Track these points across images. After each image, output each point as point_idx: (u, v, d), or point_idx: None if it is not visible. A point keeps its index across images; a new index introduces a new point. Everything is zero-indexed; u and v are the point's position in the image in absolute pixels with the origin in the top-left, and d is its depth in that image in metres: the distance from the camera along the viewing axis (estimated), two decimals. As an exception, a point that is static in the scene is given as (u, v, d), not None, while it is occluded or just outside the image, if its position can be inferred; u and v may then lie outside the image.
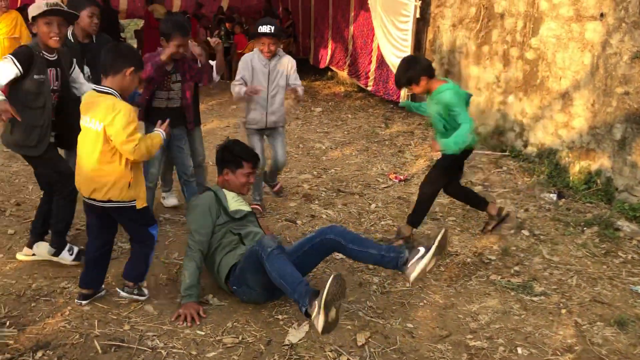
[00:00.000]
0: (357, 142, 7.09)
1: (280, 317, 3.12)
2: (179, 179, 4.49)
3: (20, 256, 3.64)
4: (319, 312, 2.59)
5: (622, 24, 4.92)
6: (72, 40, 3.88)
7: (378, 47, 8.99)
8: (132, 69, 2.96)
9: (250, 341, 2.90)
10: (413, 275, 2.97)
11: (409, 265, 2.99)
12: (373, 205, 4.96)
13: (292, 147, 6.73)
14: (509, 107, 6.51)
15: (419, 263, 2.96)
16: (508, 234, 4.38)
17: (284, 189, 5.21)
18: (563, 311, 3.32)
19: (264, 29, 4.33)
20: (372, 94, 9.68)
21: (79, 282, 3.21)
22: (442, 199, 5.07)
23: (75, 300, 3.18)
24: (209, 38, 4.45)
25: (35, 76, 3.24)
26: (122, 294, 3.20)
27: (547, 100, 5.87)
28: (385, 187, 5.44)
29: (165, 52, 3.94)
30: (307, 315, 2.71)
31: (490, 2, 6.75)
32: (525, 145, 6.22)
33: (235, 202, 3.45)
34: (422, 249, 3.00)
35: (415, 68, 3.79)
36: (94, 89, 2.99)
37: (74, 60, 3.63)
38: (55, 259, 3.56)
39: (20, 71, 3.19)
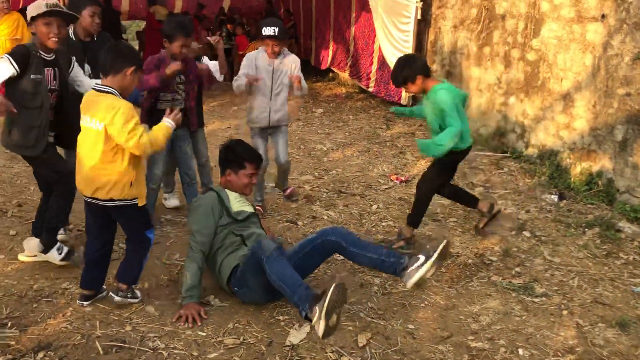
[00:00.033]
0: (359, 143, 7.09)
1: (281, 318, 3.12)
2: (181, 181, 4.50)
3: (22, 257, 3.65)
4: (319, 318, 2.60)
5: (623, 25, 4.92)
6: (74, 39, 3.89)
7: (379, 48, 8.99)
8: (132, 68, 2.97)
9: (251, 342, 2.90)
10: (410, 282, 2.96)
11: (407, 271, 2.98)
12: (374, 206, 4.96)
13: (294, 148, 6.73)
14: (510, 109, 6.51)
15: (418, 271, 2.95)
16: (509, 235, 4.38)
17: (299, 194, 5.13)
18: (564, 312, 3.32)
19: (268, 31, 4.32)
20: (373, 95, 9.68)
21: (80, 283, 3.21)
22: (444, 200, 5.07)
23: (77, 301, 3.18)
24: (209, 37, 4.45)
25: (32, 76, 3.24)
26: (117, 298, 3.15)
27: (549, 101, 5.87)
28: (386, 188, 5.44)
29: (170, 67, 3.93)
30: (307, 319, 2.72)
31: (492, 3, 6.75)
32: (527, 147, 6.22)
33: (237, 203, 3.45)
34: (422, 257, 2.99)
35: (412, 67, 3.80)
36: (94, 89, 3.00)
37: (73, 58, 3.63)
38: (43, 256, 3.52)
39: (17, 71, 3.19)
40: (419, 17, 7.92)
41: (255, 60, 4.48)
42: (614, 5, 5.01)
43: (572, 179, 5.40)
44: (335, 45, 11.66)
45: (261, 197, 4.75)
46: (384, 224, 4.60)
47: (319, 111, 9.05)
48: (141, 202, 3.05)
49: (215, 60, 4.52)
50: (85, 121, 2.96)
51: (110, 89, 2.93)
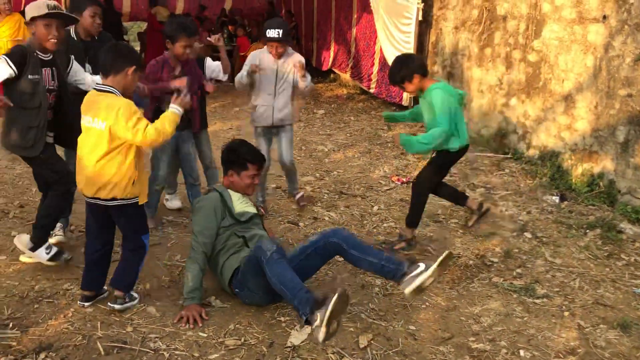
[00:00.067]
0: (360, 145, 7.09)
1: (282, 319, 3.12)
2: (184, 182, 4.50)
3: (23, 258, 3.65)
4: (320, 325, 2.61)
5: (624, 26, 4.92)
6: (75, 38, 3.89)
7: (380, 49, 9.00)
8: (133, 68, 2.99)
9: (252, 343, 2.90)
10: (408, 290, 2.94)
11: (406, 278, 2.96)
12: (375, 208, 4.96)
13: (295, 149, 6.71)
14: (512, 110, 6.50)
15: (417, 279, 2.93)
16: (510, 236, 4.38)
17: (313, 198, 5.06)
18: (566, 314, 3.32)
19: (272, 33, 4.29)
20: (374, 96, 9.69)
21: (81, 284, 3.22)
22: (445, 201, 5.07)
23: (78, 302, 3.19)
24: (209, 38, 4.44)
25: (29, 76, 3.24)
26: (117, 307, 3.12)
27: (550, 102, 5.86)
28: (387, 190, 5.44)
29: (174, 82, 3.96)
30: (308, 323, 2.72)
31: (493, 4, 6.75)
32: (528, 148, 6.22)
33: (240, 204, 3.44)
34: (422, 266, 2.98)
35: (409, 66, 3.80)
36: (95, 89, 3.01)
37: (72, 57, 3.63)
38: (30, 254, 3.50)
39: (14, 72, 3.19)
40: (420, 18, 7.93)
41: (260, 59, 4.46)
42: (615, 6, 5.01)
43: (573, 180, 5.39)
44: (336, 47, 11.67)
45: (263, 197, 4.75)
46: (385, 225, 4.60)
47: (320, 112, 9.06)
48: (142, 200, 3.07)
49: (218, 60, 4.52)
50: (86, 121, 2.97)
51: (111, 89, 2.95)
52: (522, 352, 2.93)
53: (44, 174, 3.52)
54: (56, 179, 3.43)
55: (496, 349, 2.95)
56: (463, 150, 3.97)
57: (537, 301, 3.44)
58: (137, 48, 14.77)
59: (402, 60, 3.91)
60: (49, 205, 3.49)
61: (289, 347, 2.87)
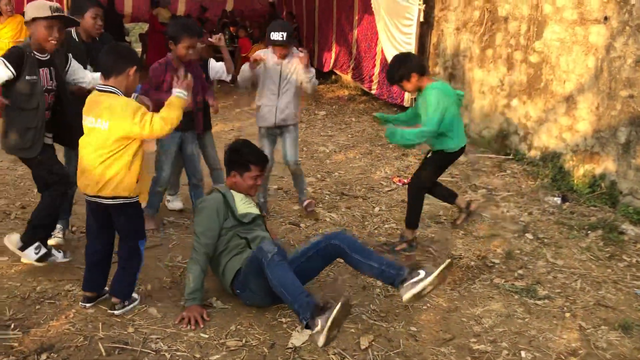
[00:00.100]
0: (361, 146, 7.10)
1: (283, 320, 3.12)
2: (188, 183, 4.51)
3: (25, 259, 3.65)
4: (321, 332, 2.62)
5: (626, 27, 4.92)
6: (77, 40, 3.88)
7: (382, 50, 9.00)
8: (134, 68, 3.01)
9: (253, 344, 2.90)
10: (406, 296, 2.93)
11: (405, 284, 2.95)
12: (377, 209, 4.96)
13: (296, 150, 6.73)
14: (513, 111, 6.50)
15: (416, 286, 2.91)
16: (512, 237, 4.38)
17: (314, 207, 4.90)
18: (567, 315, 3.32)
19: (276, 36, 4.27)
20: (376, 97, 9.68)
21: (82, 285, 3.22)
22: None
23: (80, 303, 3.19)
24: (210, 38, 4.44)
25: (27, 77, 3.23)
26: (117, 312, 3.11)
27: (551, 103, 5.86)
28: (389, 191, 5.44)
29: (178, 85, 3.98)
30: (308, 327, 2.73)
31: (494, 5, 6.75)
32: (529, 149, 6.21)
33: (243, 205, 3.42)
34: (422, 273, 2.95)
35: (407, 65, 3.80)
36: (97, 89, 3.03)
37: (69, 55, 3.61)
38: (19, 253, 3.47)
39: (13, 74, 3.19)
40: (421, 19, 7.92)
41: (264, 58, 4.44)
42: (616, 7, 5.01)
43: (575, 181, 5.39)
44: (337, 48, 11.68)
45: (264, 198, 4.75)
46: (386, 226, 4.60)
47: (322, 113, 9.06)
48: (142, 200, 3.08)
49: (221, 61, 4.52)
50: (89, 122, 2.97)
51: (112, 89, 2.96)
52: (523, 354, 2.93)
53: (42, 175, 3.51)
54: (55, 180, 3.43)
55: (497, 350, 2.95)
56: (460, 151, 3.96)
57: (539, 302, 3.44)
58: (139, 49, 14.80)
59: (401, 59, 3.91)
60: (44, 205, 3.47)
61: (290, 348, 2.87)
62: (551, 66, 5.85)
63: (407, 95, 8.24)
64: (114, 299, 3.15)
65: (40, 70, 3.32)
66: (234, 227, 3.32)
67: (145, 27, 16.60)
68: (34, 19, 3.26)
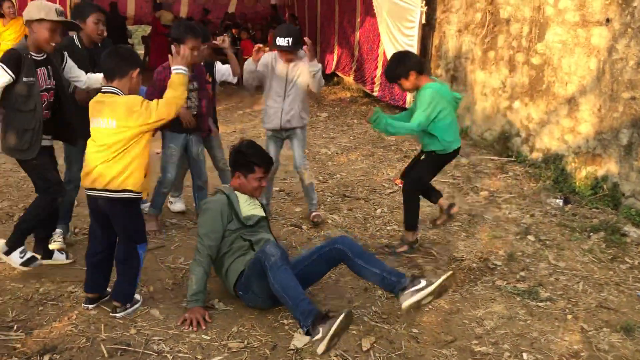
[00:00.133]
0: (363, 148, 7.10)
1: (285, 321, 3.13)
2: (192, 185, 4.52)
3: (10, 264, 3.63)
4: (322, 340, 2.63)
5: (627, 29, 4.92)
6: (80, 46, 3.87)
7: (384, 52, 9.01)
8: (137, 70, 3.05)
9: (255, 346, 2.91)
10: (405, 304, 2.93)
11: (405, 292, 2.95)
12: (379, 211, 4.96)
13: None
14: (515, 113, 6.50)
15: (416, 295, 2.91)
16: (514, 239, 4.38)
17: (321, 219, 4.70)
18: (569, 317, 3.31)
19: (282, 41, 4.23)
20: (378, 99, 9.69)
21: (84, 286, 3.22)
22: (448, 204, 5.08)
23: (82, 305, 3.20)
24: (215, 41, 4.44)
25: (24, 79, 3.23)
26: (117, 315, 3.12)
27: (553, 105, 5.86)
28: (391, 193, 5.44)
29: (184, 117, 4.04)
30: (308, 334, 2.74)
31: (496, 7, 6.76)
32: (531, 151, 6.21)
33: (248, 207, 3.41)
34: (423, 282, 2.95)
35: (405, 63, 3.81)
36: (100, 91, 3.06)
37: (65, 53, 3.61)
38: (4, 257, 3.45)
39: (12, 77, 3.19)
40: (423, 21, 7.93)
41: (272, 61, 4.41)
42: (618, 9, 5.01)
43: (577, 183, 5.39)
44: (340, 50, 11.69)
45: (267, 200, 4.75)
46: (388, 228, 4.60)
47: (324, 115, 9.07)
48: (145, 195, 3.13)
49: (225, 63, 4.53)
50: (96, 124, 2.99)
51: (115, 90, 3.00)
52: (525, 355, 2.93)
53: (33, 179, 3.50)
54: (44, 187, 3.41)
55: (499, 352, 2.95)
56: (454, 153, 3.95)
57: (541, 304, 3.44)
58: (141, 52, 14.85)
59: (399, 57, 3.92)
60: (31, 211, 3.46)
61: (292, 349, 2.87)
62: (553, 68, 5.85)
63: (409, 97, 8.25)
64: (114, 302, 3.16)
65: (38, 70, 3.32)
66: (238, 230, 3.31)
67: (147, 29, 16.66)
68: (40, 20, 3.25)
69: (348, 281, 3.62)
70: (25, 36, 3.36)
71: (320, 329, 2.65)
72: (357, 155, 6.77)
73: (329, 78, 12.19)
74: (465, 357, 2.90)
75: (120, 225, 3.09)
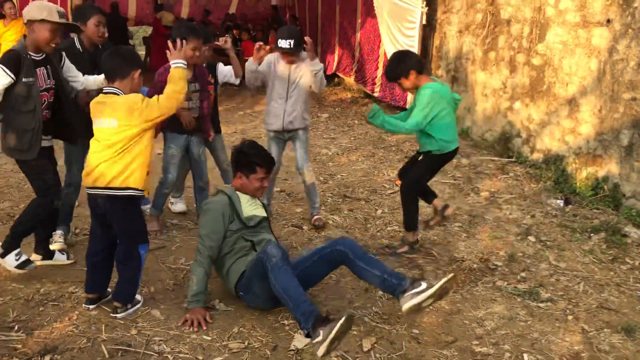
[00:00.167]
0: (364, 148, 7.11)
1: (286, 322, 3.13)
2: (194, 186, 4.53)
3: (5, 267, 3.63)
4: (322, 343, 2.63)
5: (628, 30, 4.92)
6: (81, 49, 3.86)
7: (384, 53, 9.01)
8: (138, 71, 3.06)
9: (256, 346, 2.91)
10: (406, 307, 2.92)
11: (405, 295, 2.94)
12: (379, 211, 4.96)
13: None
14: (516, 113, 6.50)
15: (416, 297, 2.91)
16: (514, 240, 4.38)
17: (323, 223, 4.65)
18: (570, 317, 3.31)
19: (283, 43, 4.22)
20: (378, 100, 9.70)
21: (85, 287, 3.23)
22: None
23: (83, 305, 3.20)
24: (217, 42, 4.44)
25: (23, 79, 3.23)
26: (118, 316, 3.12)
27: (554, 106, 5.86)
28: (391, 193, 5.44)
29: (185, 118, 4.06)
30: (308, 336, 2.74)
31: (497, 8, 6.76)
32: (532, 151, 6.21)
33: (249, 207, 3.41)
34: (424, 285, 2.95)
35: (405, 62, 3.81)
36: (102, 92, 3.06)
37: (63, 53, 3.61)
38: None
39: (13, 78, 3.19)
40: (424, 22, 7.94)
41: (274, 62, 4.41)
42: (619, 10, 5.01)
43: (577, 184, 5.38)
44: (340, 51, 11.70)
45: (268, 201, 4.75)
46: (389, 228, 4.60)
47: (325, 116, 9.08)
48: (146, 194, 3.14)
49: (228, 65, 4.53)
50: (98, 124, 3.00)
51: (116, 90, 3.01)
52: (525, 356, 2.93)
53: (31, 180, 3.49)
54: (43, 188, 3.41)
55: (500, 352, 2.95)
56: (451, 154, 3.95)
57: (541, 305, 3.44)
58: (142, 52, 14.86)
59: (399, 56, 3.92)
60: (27, 213, 3.45)
61: (293, 350, 2.88)
62: (554, 69, 5.85)
63: (409, 98, 8.25)
64: (115, 303, 3.16)
65: (37, 70, 3.32)
66: (239, 230, 3.31)
67: (149, 30, 16.67)
68: (42, 20, 3.24)
69: (349, 282, 3.62)
70: (24, 36, 3.36)
71: (321, 332, 2.65)
72: (358, 155, 6.77)
73: (330, 79, 12.19)
74: (466, 358, 2.90)
75: (119, 225, 3.09)
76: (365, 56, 10.22)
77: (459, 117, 7.41)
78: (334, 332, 2.61)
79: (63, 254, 3.77)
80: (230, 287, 3.29)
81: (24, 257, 3.46)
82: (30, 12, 3.27)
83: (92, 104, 3.05)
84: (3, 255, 3.42)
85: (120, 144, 2.94)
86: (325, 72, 12.08)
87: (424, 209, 4.37)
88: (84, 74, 3.73)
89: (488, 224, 4.68)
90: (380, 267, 3.08)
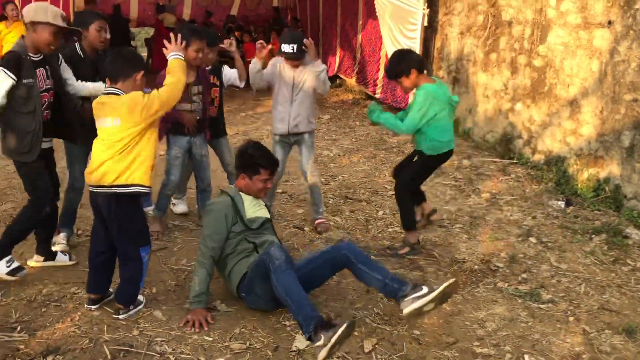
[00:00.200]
0: (365, 150, 7.11)
1: (287, 323, 3.14)
2: (196, 187, 4.54)
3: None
4: (323, 347, 2.63)
5: (629, 31, 4.92)
6: (82, 55, 3.84)
7: (386, 55, 9.01)
8: (141, 73, 3.07)
9: (257, 347, 2.92)
10: (406, 311, 2.93)
11: (406, 299, 2.95)
12: (380, 212, 4.97)
13: (300, 154, 6.75)
14: (517, 115, 6.51)
15: (417, 302, 2.91)
16: (516, 241, 4.38)
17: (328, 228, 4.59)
18: (571, 319, 3.31)
19: (286, 48, 4.22)
20: (380, 101, 9.71)
21: (86, 287, 3.24)
22: (450, 206, 5.09)
23: (85, 306, 3.21)
24: (222, 45, 4.43)
25: (24, 81, 3.24)
26: (120, 317, 3.13)
27: (555, 107, 5.87)
28: (392, 194, 5.43)
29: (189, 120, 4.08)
30: (310, 340, 2.74)
31: (498, 9, 6.77)
32: (533, 153, 6.21)
33: (252, 208, 3.41)
34: (425, 289, 2.95)
35: (406, 61, 3.82)
36: (104, 92, 3.08)
37: (60, 55, 3.63)
38: None
39: (15, 80, 3.20)
40: (425, 24, 7.94)
41: (279, 65, 4.40)
42: (620, 11, 5.02)
43: (579, 185, 5.39)
44: (342, 52, 11.71)
45: (270, 202, 4.75)
46: (390, 230, 4.60)
47: (326, 117, 9.08)
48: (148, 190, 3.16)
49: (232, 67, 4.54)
50: (102, 123, 3.01)
51: (117, 90, 3.02)
52: (526, 357, 2.93)
53: (24, 183, 3.48)
54: (35, 195, 3.41)
55: (500, 353, 2.95)
56: (446, 155, 3.96)
57: (542, 306, 3.44)
58: (144, 54, 14.88)
59: (401, 54, 3.93)
60: (18, 221, 3.46)
61: (294, 351, 2.89)
62: (555, 70, 5.85)
63: (410, 99, 8.25)
64: (117, 305, 3.17)
65: (37, 71, 3.33)
66: (242, 232, 3.31)
67: (151, 31, 16.68)
68: (45, 23, 3.25)
69: (350, 283, 3.62)
70: (22, 36, 3.36)
71: (322, 336, 2.65)
72: (359, 157, 6.78)
73: (331, 80, 12.20)
74: (467, 359, 2.90)
75: (119, 225, 3.06)
76: (367, 58, 10.23)
77: (460, 119, 7.42)
78: (335, 337, 2.61)
79: (65, 254, 3.79)
80: (232, 288, 3.30)
81: (15, 264, 3.44)
82: (34, 13, 3.28)
83: (94, 104, 3.06)
84: None
85: (124, 141, 2.96)
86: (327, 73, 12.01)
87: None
88: (85, 81, 3.73)
89: (489, 225, 4.69)
90: (382, 272, 3.09)
